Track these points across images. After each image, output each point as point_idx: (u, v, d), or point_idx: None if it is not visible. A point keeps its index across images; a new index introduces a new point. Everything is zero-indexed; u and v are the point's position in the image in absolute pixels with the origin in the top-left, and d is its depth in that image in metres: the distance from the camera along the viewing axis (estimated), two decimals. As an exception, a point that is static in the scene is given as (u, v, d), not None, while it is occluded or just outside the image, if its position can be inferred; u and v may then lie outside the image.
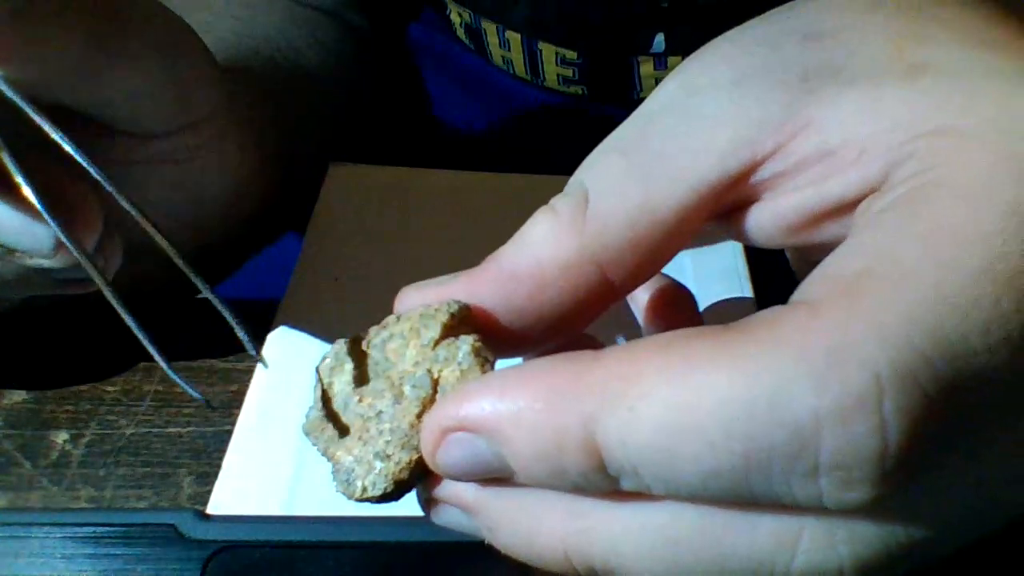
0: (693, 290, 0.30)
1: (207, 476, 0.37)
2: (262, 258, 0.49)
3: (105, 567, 0.31)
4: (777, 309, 0.19)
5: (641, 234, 0.22)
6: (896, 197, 0.20)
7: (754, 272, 0.41)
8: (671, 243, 0.22)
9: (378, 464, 0.22)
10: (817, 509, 0.19)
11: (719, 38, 0.24)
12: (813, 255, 0.22)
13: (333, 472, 0.22)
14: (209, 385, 0.40)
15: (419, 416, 0.22)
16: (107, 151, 0.36)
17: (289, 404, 0.37)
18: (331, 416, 0.23)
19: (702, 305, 0.31)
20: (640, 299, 0.29)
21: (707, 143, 0.22)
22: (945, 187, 0.19)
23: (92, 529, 0.31)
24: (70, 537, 0.31)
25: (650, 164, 0.22)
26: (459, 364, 0.22)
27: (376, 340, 0.23)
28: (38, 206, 0.26)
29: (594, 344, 0.27)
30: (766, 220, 0.23)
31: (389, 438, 0.22)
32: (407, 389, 0.22)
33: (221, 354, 0.41)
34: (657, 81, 0.54)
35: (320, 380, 0.23)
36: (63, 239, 0.26)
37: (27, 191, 0.26)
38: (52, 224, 0.26)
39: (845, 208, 0.21)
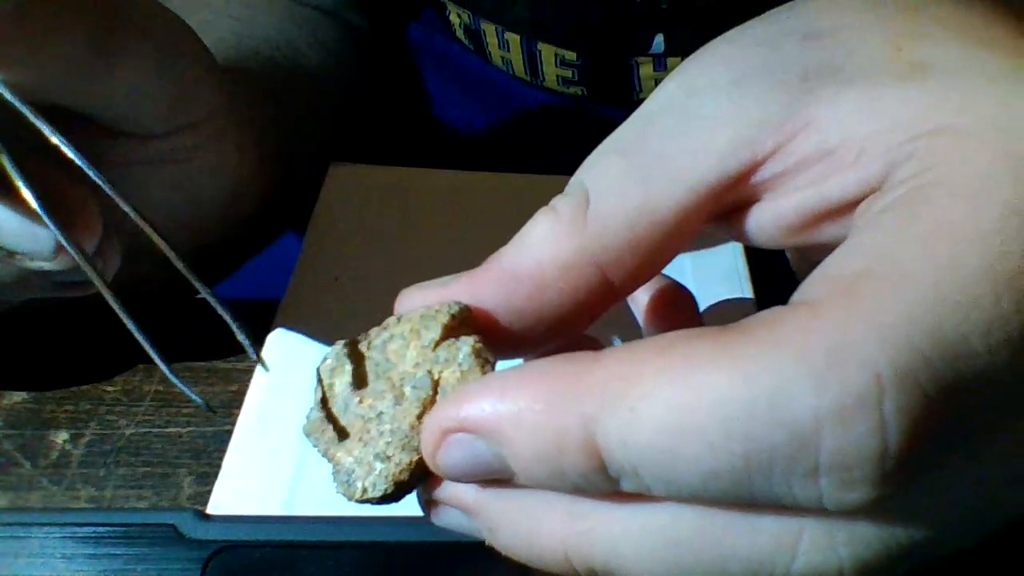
0: (693, 290, 0.30)
1: (207, 476, 0.37)
2: (262, 258, 0.49)
3: (105, 567, 0.31)
4: (777, 310, 0.19)
5: (641, 235, 0.22)
6: (896, 197, 0.20)
7: (754, 272, 0.41)
8: (671, 244, 0.22)
9: (378, 465, 0.22)
10: (817, 510, 0.19)
11: (718, 39, 0.24)
12: (813, 255, 0.22)
13: (334, 473, 0.23)
14: (209, 385, 0.40)
15: (419, 417, 0.22)
16: (106, 152, 0.36)
17: (289, 404, 0.37)
18: (331, 417, 0.23)
19: (702, 306, 0.31)
20: (640, 300, 0.29)
21: (707, 144, 0.22)
22: (944, 187, 0.19)
23: (92, 529, 0.31)
24: (70, 537, 0.31)
25: (650, 165, 0.22)
26: (459, 365, 0.22)
27: (377, 341, 0.23)
28: (38, 210, 0.26)
29: (594, 345, 0.27)
30: (766, 221, 0.23)
31: (389, 439, 0.22)
32: (407, 390, 0.22)
33: (221, 354, 0.41)
34: (657, 82, 0.54)
35: (320, 381, 0.23)
36: (63, 242, 0.26)
37: (27, 194, 0.26)
38: (52, 227, 0.26)
39: (845, 208, 0.21)
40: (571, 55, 0.55)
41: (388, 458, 0.22)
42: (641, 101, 0.24)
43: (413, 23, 0.64)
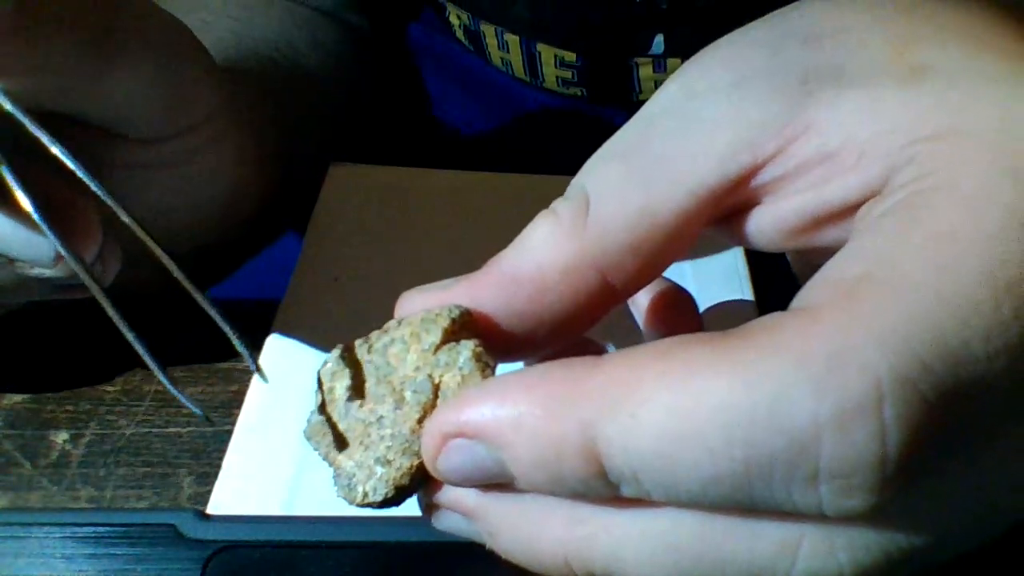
0: (693, 292, 0.30)
1: (207, 476, 0.37)
2: (262, 258, 0.49)
3: (105, 567, 0.31)
4: (777, 315, 0.19)
5: (641, 238, 0.22)
6: (896, 201, 0.20)
7: (755, 274, 0.41)
8: (672, 247, 0.22)
9: (379, 469, 0.22)
10: (817, 516, 0.19)
11: (719, 41, 0.24)
12: (814, 258, 0.22)
13: (334, 477, 0.23)
14: (209, 385, 0.40)
15: (420, 421, 0.22)
16: (105, 156, 0.35)
17: (289, 404, 0.37)
18: (331, 421, 0.23)
19: (703, 307, 0.31)
20: (640, 302, 0.29)
21: (707, 147, 0.22)
22: (945, 192, 0.19)
23: (92, 529, 0.31)
24: (70, 537, 0.31)
25: (650, 168, 0.22)
26: (460, 369, 0.22)
27: (377, 345, 0.23)
28: (36, 218, 0.26)
29: (595, 348, 0.27)
30: (766, 224, 0.23)
31: (390, 443, 0.22)
32: (408, 394, 0.22)
33: (221, 354, 0.41)
34: (656, 83, 0.54)
35: (321, 385, 0.23)
36: (63, 252, 0.26)
37: (25, 203, 0.26)
38: (51, 236, 0.26)
39: (846, 212, 0.21)
40: (571, 56, 0.55)
41: (389, 462, 0.22)
42: (641, 102, 0.24)
43: (413, 23, 0.64)
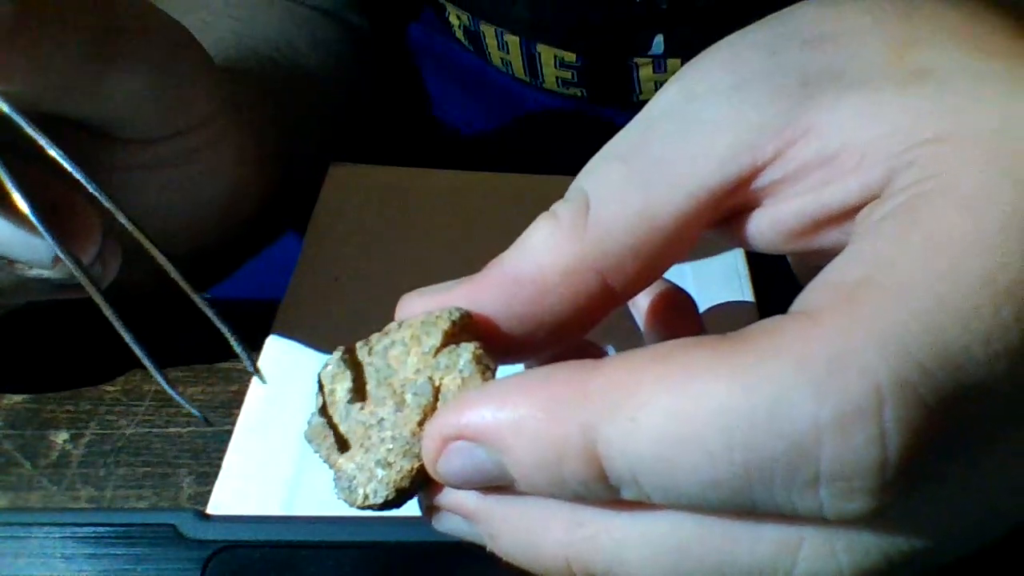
0: (694, 293, 0.30)
1: (207, 476, 0.37)
2: (262, 258, 0.49)
3: (105, 567, 0.31)
4: (777, 318, 0.19)
5: (642, 240, 0.22)
6: (896, 205, 0.20)
7: (755, 275, 0.41)
8: (672, 249, 0.22)
9: (380, 472, 0.22)
10: (817, 519, 0.19)
11: (719, 43, 0.24)
12: (814, 260, 0.22)
13: (335, 479, 0.23)
14: (209, 385, 0.40)
15: (420, 424, 0.22)
16: (104, 157, 0.35)
17: (289, 404, 0.37)
18: (332, 423, 0.23)
19: (703, 308, 0.31)
20: (641, 304, 0.29)
21: (707, 149, 0.22)
22: (945, 195, 0.19)
23: (92, 529, 0.31)
24: (70, 537, 0.31)
25: (650, 170, 0.22)
26: (460, 372, 0.22)
27: (378, 347, 0.23)
28: (34, 220, 0.26)
29: (595, 350, 0.27)
30: (766, 226, 0.23)
31: (391, 446, 0.22)
32: (408, 397, 0.22)
33: (222, 354, 0.41)
34: (656, 84, 0.54)
35: (321, 387, 0.23)
36: (60, 255, 0.26)
37: (23, 205, 0.26)
38: (48, 239, 0.26)
39: (846, 215, 0.21)
40: (570, 56, 0.55)
41: (389, 465, 0.22)
42: (641, 102, 0.24)
43: (413, 23, 0.63)
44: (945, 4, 0.22)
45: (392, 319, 0.24)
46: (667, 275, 0.25)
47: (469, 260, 0.24)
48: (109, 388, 0.40)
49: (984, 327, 0.18)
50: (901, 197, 0.20)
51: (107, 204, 0.26)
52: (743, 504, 0.19)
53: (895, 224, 0.20)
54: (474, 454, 0.20)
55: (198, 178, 0.39)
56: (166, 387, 0.25)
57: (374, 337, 0.23)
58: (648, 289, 0.28)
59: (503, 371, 0.22)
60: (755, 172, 0.22)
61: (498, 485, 0.21)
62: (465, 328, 0.22)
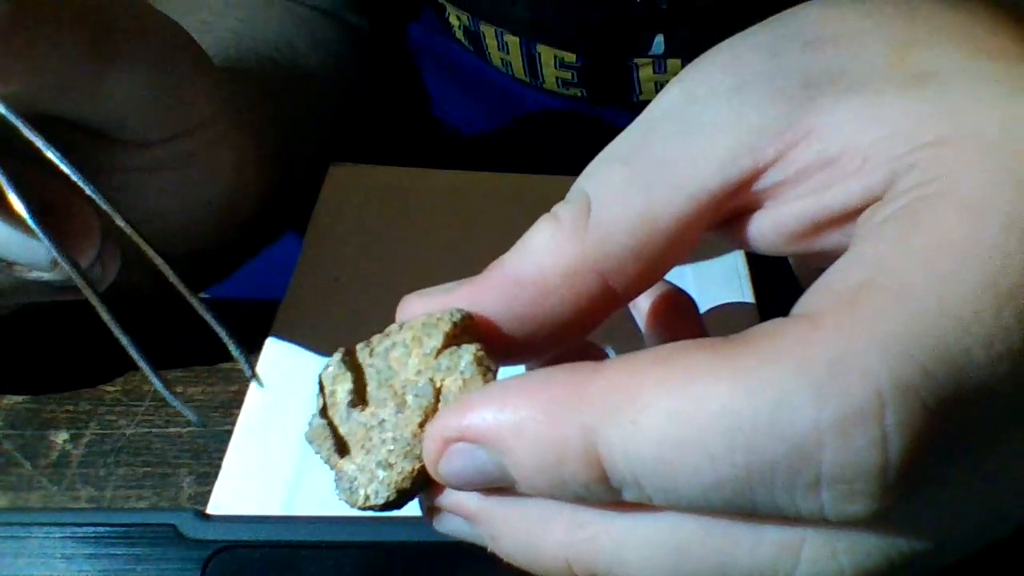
0: (694, 294, 0.30)
1: (207, 476, 0.37)
2: (262, 258, 0.49)
3: (105, 567, 0.31)
4: (778, 321, 0.19)
5: (643, 242, 0.22)
6: (898, 208, 0.20)
7: (756, 276, 0.41)
8: (673, 251, 0.22)
9: (380, 473, 0.22)
10: (819, 520, 0.19)
11: (720, 45, 0.24)
12: (815, 262, 0.22)
13: (336, 480, 0.23)
14: (210, 385, 0.40)
15: (421, 425, 0.22)
16: (103, 159, 0.35)
17: (289, 404, 0.37)
18: (333, 425, 0.23)
19: (703, 309, 0.31)
20: (642, 305, 0.29)
21: (708, 151, 0.22)
22: (947, 198, 0.19)
23: (92, 529, 0.31)
24: (70, 537, 0.31)
25: (651, 172, 0.22)
26: (461, 373, 0.22)
27: (379, 348, 0.23)
28: (31, 223, 0.26)
29: (596, 352, 0.27)
30: (768, 228, 0.23)
31: (392, 447, 0.22)
32: (409, 398, 0.22)
33: (222, 354, 0.41)
34: (656, 84, 0.54)
35: (322, 388, 0.23)
36: (58, 258, 0.26)
37: (20, 208, 0.26)
38: (46, 242, 0.26)
39: (847, 217, 0.21)
40: (571, 57, 0.55)
41: (390, 466, 0.22)
42: (641, 103, 0.24)
43: (413, 24, 0.63)
44: (946, 6, 0.22)
45: (392, 320, 0.24)
46: (668, 276, 0.25)
47: (469, 261, 0.24)
48: (109, 388, 0.40)
49: (986, 330, 0.18)
50: (903, 200, 0.20)
51: (105, 206, 0.26)
52: (744, 506, 0.19)
53: (897, 227, 0.20)
54: (475, 455, 0.20)
55: (197, 180, 0.39)
56: (162, 390, 0.25)
57: (375, 338, 0.23)
58: (649, 291, 0.28)
59: (504, 372, 0.22)
60: (756, 174, 0.22)
61: (499, 486, 0.21)
62: (466, 329, 0.22)
